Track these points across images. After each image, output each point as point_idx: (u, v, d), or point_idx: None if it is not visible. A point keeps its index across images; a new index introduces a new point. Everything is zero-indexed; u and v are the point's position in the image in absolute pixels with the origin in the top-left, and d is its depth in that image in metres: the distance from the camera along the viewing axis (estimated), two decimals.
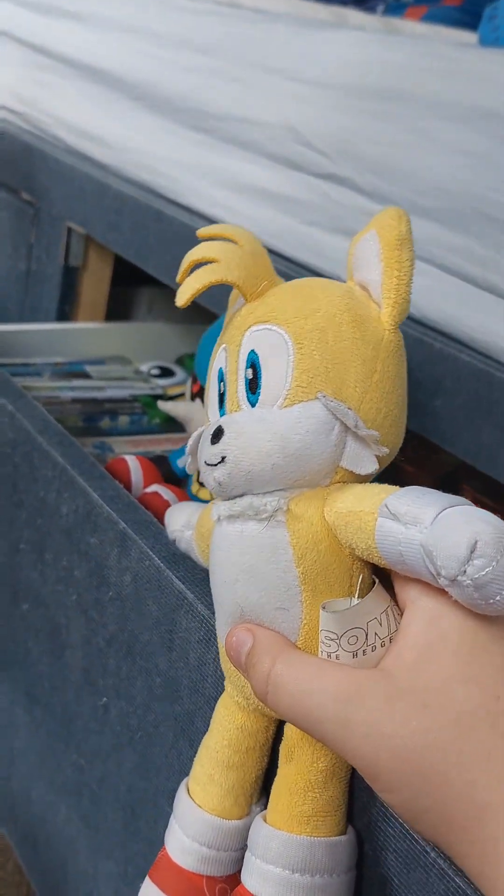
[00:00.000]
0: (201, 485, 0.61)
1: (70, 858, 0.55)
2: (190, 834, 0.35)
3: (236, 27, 0.76)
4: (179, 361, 0.95)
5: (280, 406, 0.30)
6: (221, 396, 0.34)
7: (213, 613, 0.40)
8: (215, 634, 0.39)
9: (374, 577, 0.31)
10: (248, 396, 0.32)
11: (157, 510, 0.51)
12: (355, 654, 0.29)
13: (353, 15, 1.05)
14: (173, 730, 0.42)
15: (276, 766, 0.35)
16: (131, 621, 0.45)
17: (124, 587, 0.45)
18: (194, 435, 0.35)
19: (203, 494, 0.60)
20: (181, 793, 0.36)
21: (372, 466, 0.30)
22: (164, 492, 0.54)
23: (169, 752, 0.43)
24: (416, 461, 0.67)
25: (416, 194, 0.58)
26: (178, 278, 0.33)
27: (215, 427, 0.31)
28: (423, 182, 0.57)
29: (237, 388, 0.32)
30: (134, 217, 0.79)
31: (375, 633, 0.28)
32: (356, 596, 0.30)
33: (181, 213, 0.75)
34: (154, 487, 0.55)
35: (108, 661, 0.47)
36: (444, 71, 0.57)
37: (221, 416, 0.33)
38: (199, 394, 0.58)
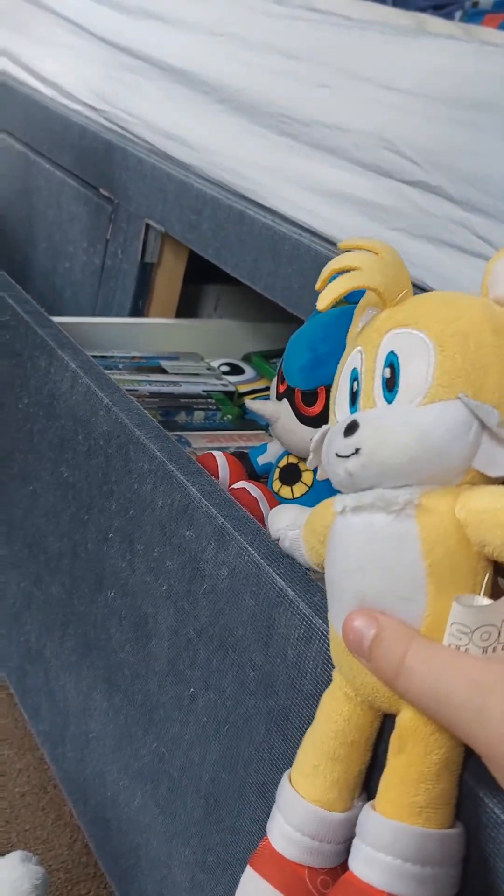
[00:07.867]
0: (282, 483, 0.63)
1: (143, 843, 0.56)
2: (293, 824, 0.35)
3: (326, 33, 0.77)
4: (246, 359, 0.96)
5: (418, 404, 0.31)
6: (354, 395, 0.35)
7: (315, 612, 0.40)
8: (315, 632, 0.40)
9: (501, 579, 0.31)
10: (384, 394, 0.33)
11: (246, 506, 0.52)
12: (485, 651, 0.29)
13: (433, 21, 1.05)
14: (266, 724, 0.43)
15: (378, 762, 0.35)
16: (225, 615, 0.46)
17: (220, 581, 0.46)
18: (319, 432, 0.36)
19: (284, 492, 0.61)
20: (284, 783, 0.37)
21: None
22: (251, 488, 0.55)
23: (260, 746, 0.44)
24: None
25: None
26: (317, 286, 0.34)
27: (350, 421, 0.33)
28: None
29: (373, 386, 0.33)
30: (215, 217, 0.80)
31: None
32: (481, 594, 0.31)
33: (264, 214, 0.76)
34: (241, 483, 0.56)
35: (197, 653, 0.48)
36: None
37: (353, 413, 0.34)
38: (285, 394, 0.59)
